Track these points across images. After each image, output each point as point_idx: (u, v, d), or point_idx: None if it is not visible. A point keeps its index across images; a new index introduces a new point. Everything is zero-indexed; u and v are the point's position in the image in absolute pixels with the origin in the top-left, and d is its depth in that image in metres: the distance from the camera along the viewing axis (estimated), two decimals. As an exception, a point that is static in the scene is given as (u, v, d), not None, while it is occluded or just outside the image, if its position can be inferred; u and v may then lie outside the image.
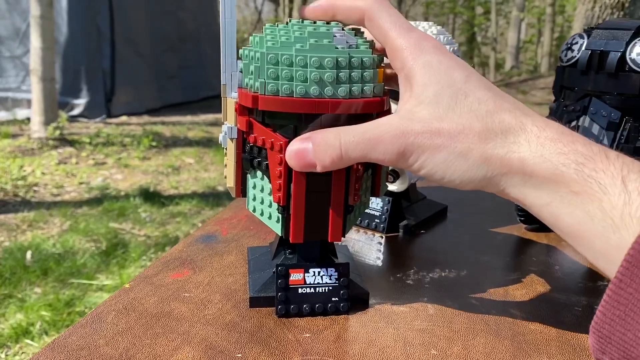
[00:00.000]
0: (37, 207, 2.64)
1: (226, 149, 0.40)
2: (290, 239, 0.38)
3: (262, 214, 0.40)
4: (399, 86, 0.34)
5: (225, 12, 0.36)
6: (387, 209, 0.57)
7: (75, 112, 4.69)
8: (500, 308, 0.43)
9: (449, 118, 0.31)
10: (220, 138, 0.39)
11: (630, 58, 0.48)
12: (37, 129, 3.97)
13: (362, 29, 0.38)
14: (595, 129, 0.51)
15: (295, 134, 0.35)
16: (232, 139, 0.39)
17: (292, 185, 0.36)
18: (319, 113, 0.35)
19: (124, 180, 3.22)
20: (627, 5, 2.66)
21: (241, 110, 0.37)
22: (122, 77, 4.93)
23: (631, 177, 0.27)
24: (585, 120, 0.51)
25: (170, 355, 0.35)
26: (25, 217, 2.51)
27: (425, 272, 0.49)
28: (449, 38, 0.55)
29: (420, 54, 0.33)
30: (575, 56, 0.52)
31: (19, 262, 2.00)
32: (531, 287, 0.47)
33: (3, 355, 1.47)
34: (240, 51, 0.38)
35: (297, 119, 0.35)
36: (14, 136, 4.01)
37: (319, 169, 0.33)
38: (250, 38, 0.37)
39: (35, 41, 3.90)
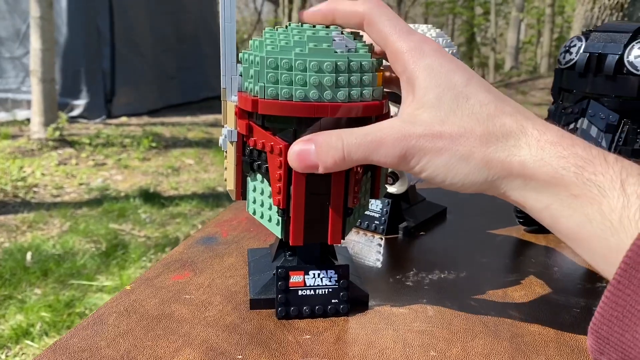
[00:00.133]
0: (37, 208, 2.64)
1: (226, 152, 0.40)
2: (290, 241, 0.38)
3: (262, 217, 0.40)
4: (401, 90, 0.34)
5: (224, 16, 0.36)
6: (386, 210, 0.58)
7: (75, 113, 4.69)
8: (499, 309, 0.43)
9: (451, 121, 0.31)
10: (221, 141, 0.40)
11: (628, 61, 0.49)
12: (37, 129, 3.97)
13: (361, 33, 0.38)
14: (594, 131, 0.51)
15: (295, 137, 0.35)
16: (232, 142, 0.39)
17: (291, 188, 0.36)
18: (318, 117, 0.35)
19: (124, 181, 3.22)
20: (626, 6, 2.66)
21: (241, 113, 0.37)
22: (122, 78, 4.93)
23: (630, 181, 0.27)
24: (583, 123, 0.52)
25: (171, 357, 0.36)
26: (25, 218, 2.51)
27: (424, 273, 0.49)
28: (448, 41, 0.55)
29: (421, 57, 0.33)
30: (574, 59, 0.52)
31: (19, 263, 2.00)
32: (530, 288, 0.47)
33: (3, 356, 1.48)
34: (240, 55, 0.38)
35: (296, 122, 0.35)
36: (14, 137, 4.01)
37: (320, 171, 0.34)
38: (250, 42, 0.38)
39: (35, 42, 3.90)
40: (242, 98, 0.37)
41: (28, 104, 4.43)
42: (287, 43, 0.35)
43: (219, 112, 0.40)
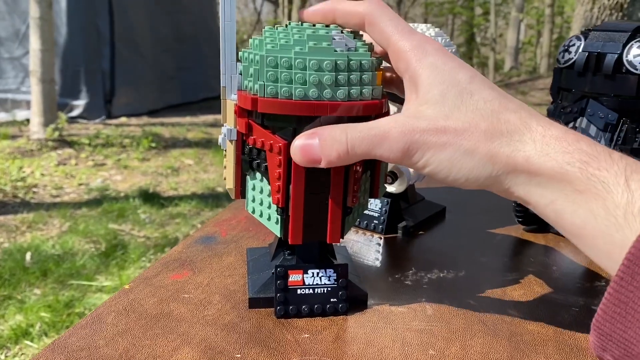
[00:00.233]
0: (37, 209, 2.64)
1: (226, 150, 0.40)
2: (289, 240, 0.38)
3: (261, 216, 0.40)
4: (402, 90, 0.35)
5: (224, 15, 0.36)
6: (385, 210, 0.58)
7: (75, 113, 4.69)
8: (498, 308, 0.43)
9: (455, 116, 0.31)
10: (220, 140, 0.40)
11: (627, 60, 0.49)
12: (36, 130, 3.97)
13: (361, 32, 0.38)
14: (593, 130, 0.51)
15: (294, 136, 0.35)
16: (231, 141, 0.39)
17: (291, 187, 0.36)
18: (317, 115, 0.35)
19: (124, 181, 3.22)
20: (625, 6, 2.66)
21: (240, 112, 0.37)
22: (121, 78, 4.93)
23: (634, 177, 0.27)
24: (582, 122, 0.52)
25: (170, 355, 0.36)
26: (24, 218, 2.51)
27: (423, 272, 0.49)
28: (447, 40, 0.55)
29: (424, 55, 0.33)
30: (573, 58, 0.52)
31: (18, 264, 2.00)
32: (529, 287, 0.47)
33: (3, 357, 1.47)
34: (240, 54, 0.38)
35: (296, 121, 0.35)
36: (13, 137, 4.01)
37: (323, 165, 0.33)
38: (250, 40, 0.38)
39: (34, 42, 3.90)
40: (241, 96, 0.37)
41: (27, 104, 4.43)
42: (286, 42, 0.35)
43: (219, 112, 0.40)
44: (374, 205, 0.58)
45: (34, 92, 3.98)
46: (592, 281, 0.49)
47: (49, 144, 3.82)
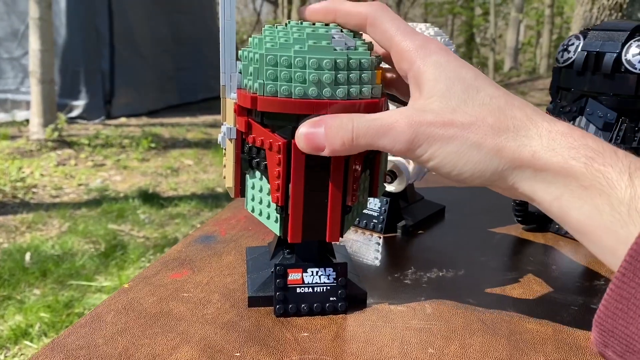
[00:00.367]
0: (36, 209, 2.64)
1: (225, 149, 0.40)
2: (289, 239, 0.38)
3: (260, 214, 0.40)
4: (410, 87, 0.34)
5: (224, 14, 0.36)
6: (385, 209, 0.58)
7: (74, 113, 4.69)
8: (497, 307, 0.43)
9: (462, 110, 0.31)
10: (219, 139, 0.40)
11: (625, 59, 0.49)
12: (35, 130, 3.97)
13: (361, 33, 0.38)
14: (592, 129, 0.51)
15: (293, 134, 0.35)
16: (231, 140, 0.39)
17: (290, 186, 0.36)
18: (317, 114, 0.35)
19: (123, 181, 3.22)
20: (625, 6, 2.67)
21: (240, 111, 0.37)
22: (121, 79, 4.93)
23: (638, 174, 0.27)
24: (581, 121, 0.52)
25: (169, 354, 0.36)
26: (24, 218, 2.51)
27: (422, 272, 0.49)
28: (447, 39, 0.55)
29: (428, 54, 0.33)
30: (572, 57, 0.52)
31: (17, 264, 2.00)
32: (528, 286, 0.47)
33: (2, 357, 1.47)
34: (240, 52, 0.38)
35: (295, 119, 0.35)
36: (13, 138, 4.00)
37: (326, 152, 0.33)
38: (250, 39, 0.38)
39: (34, 43, 3.90)
40: (241, 95, 0.37)
41: (27, 104, 4.43)
42: (286, 40, 0.35)
43: (218, 112, 0.40)
44: (374, 205, 0.58)
45: (34, 92, 3.98)
46: (591, 280, 0.49)
47: (49, 145, 3.82)
